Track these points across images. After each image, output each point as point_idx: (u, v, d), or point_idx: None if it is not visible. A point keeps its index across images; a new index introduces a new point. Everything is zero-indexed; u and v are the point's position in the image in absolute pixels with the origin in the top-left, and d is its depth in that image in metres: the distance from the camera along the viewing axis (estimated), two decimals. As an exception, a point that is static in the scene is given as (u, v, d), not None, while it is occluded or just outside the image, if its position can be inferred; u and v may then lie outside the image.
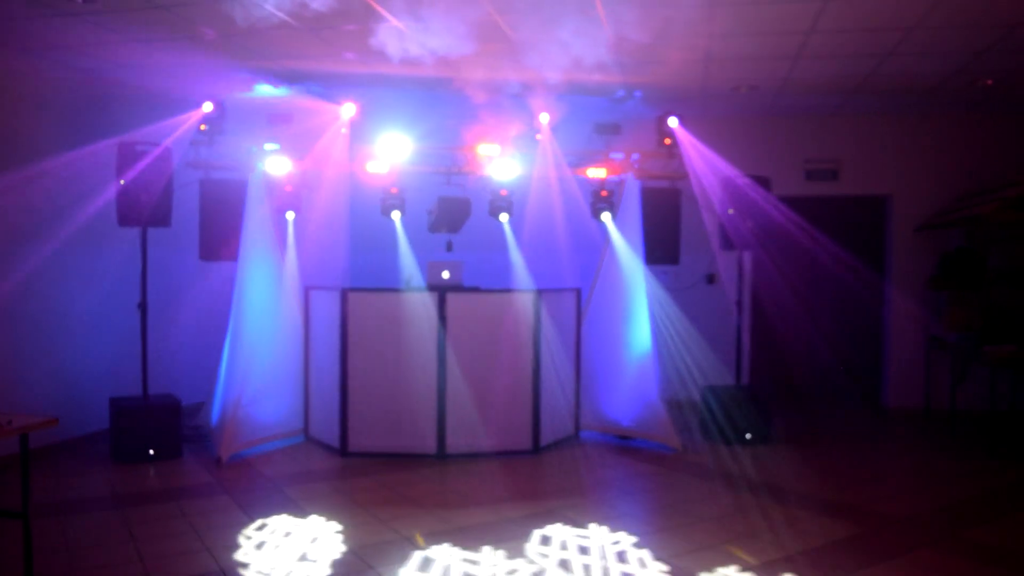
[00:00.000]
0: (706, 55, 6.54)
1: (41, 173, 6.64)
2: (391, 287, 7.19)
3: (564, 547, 4.72)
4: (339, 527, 5.06)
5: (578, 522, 5.18)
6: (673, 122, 7.40)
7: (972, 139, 8.70)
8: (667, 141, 7.49)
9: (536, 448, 6.95)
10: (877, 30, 5.87)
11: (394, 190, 7.57)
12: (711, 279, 8.95)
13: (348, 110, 7.28)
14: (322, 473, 6.41)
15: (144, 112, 7.37)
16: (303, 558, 4.53)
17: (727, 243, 7.52)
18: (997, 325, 7.52)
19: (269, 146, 7.29)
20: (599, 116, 7.84)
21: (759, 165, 8.08)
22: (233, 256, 7.15)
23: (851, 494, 5.87)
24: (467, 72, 6.56)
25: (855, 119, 8.93)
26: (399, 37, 5.78)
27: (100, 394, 7.08)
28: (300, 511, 5.38)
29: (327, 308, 7.06)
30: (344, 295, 6.84)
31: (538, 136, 7.46)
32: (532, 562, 4.49)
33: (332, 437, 6.98)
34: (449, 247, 7.85)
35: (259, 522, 5.13)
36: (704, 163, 7.48)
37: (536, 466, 6.64)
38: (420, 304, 6.81)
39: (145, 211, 6.59)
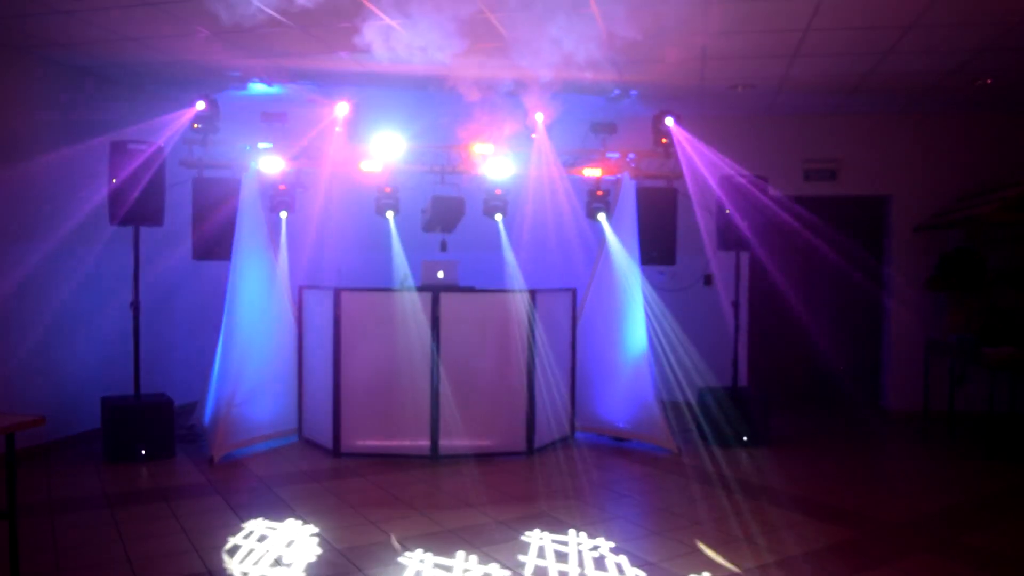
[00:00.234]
0: (702, 53, 6.50)
1: (33, 171, 6.61)
2: (385, 287, 7.15)
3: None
4: (329, 528, 5.01)
5: (568, 525, 5.13)
6: (669, 121, 7.34)
7: (972, 139, 8.64)
8: (663, 140, 7.43)
9: (531, 449, 6.90)
10: (874, 28, 5.82)
11: (388, 189, 7.52)
12: (708, 280, 8.90)
13: (342, 109, 7.24)
14: (314, 474, 6.36)
15: (137, 110, 7.34)
16: (291, 559, 4.49)
17: (724, 243, 7.46)
18: (996, 326, 7.46)
19: (262, 145, 7.27)
20: (595, 115, 7.78)
21: (757, 165, 8.01)
22: (226, 255, 7.11)
23: (848, 497, 5.82)
24: (460, 70, 6.51)
25: (854, 119, 8.88)
26: (391, 35, 5.74)
27: (92, 393, 7.03)
28: (291, 512, 5.33)
29: (320, 308, 7.02)
30: (337, 295, 6.80)
31: (533, 135, 7.41)
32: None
33: (325, 438, 6.94)
34: (443, 247, 7.79)
35: (249, 523, 5.09)
36: (701, 162, 7.43)
37: (530, 468, 6.59)
38: (414, 304, 6.77)
39: (137, 210, 6.55)
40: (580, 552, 4.65)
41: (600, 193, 7.55)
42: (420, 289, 6.85)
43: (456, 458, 6.71)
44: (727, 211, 7.31)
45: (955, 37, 6.05)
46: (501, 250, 7.81)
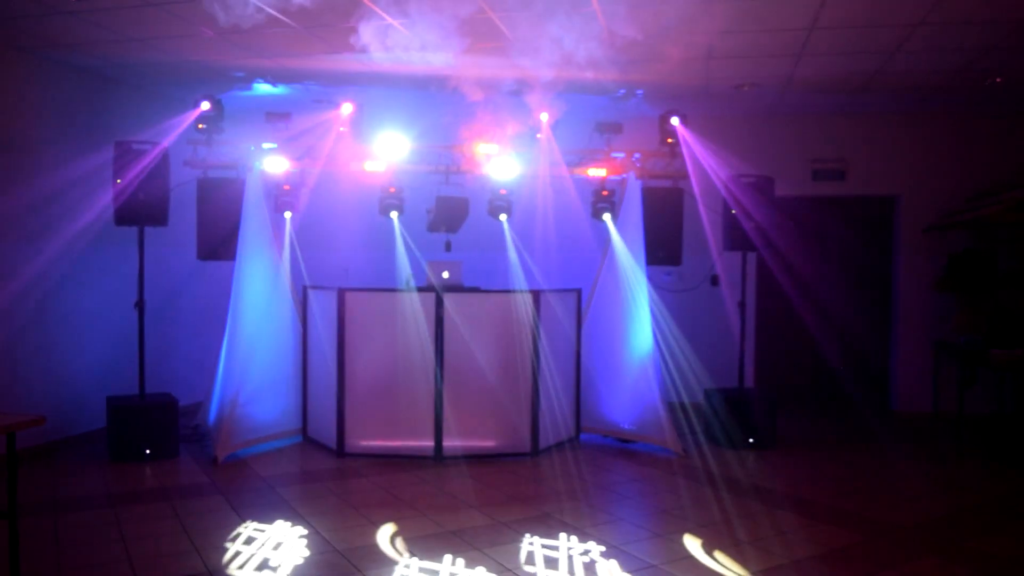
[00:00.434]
0: (706, 52, 6.46)
1: (39, 172, 6.63)
2: (389, 287, 7.13)
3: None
4: (330, 529, 5.00)
5: (571, 526, 5.10)
6: (675, 121, 7.29)
7: (982, 138, 8.55)
8: (669, 140, 7.38)
9: (535, 450, 6.87)
10: (880, 27, 5.77)
11: (392, 189, 7.50)
12: (715, 280, 8.85)
13: (346, 109, 7.23)
14: (317, 474, 6.36)
15: (141, 111, 7.35)
16: (291, 560, 4.47)
17: (730, 244, 7.42)
18: (1005, 328, 7.38)
19: (267, 145, 7.26)
20: (600, 115, 7.76)
21: (764, 165, 7.97)
22: (231, 255, 7.12)
23: (854, 501, 5.76)
24: (464, 70, 6.49)
25: (862, 118, 8.81)
26: (394, 35, 5.72)
27: (98, 393, 7.04)
28: (293, 512, 5.32)
29: (324, 308, 7.02)
30: (341, 295, 6.79)
31: (538, 135, 7.37)
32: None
33: (329, 438, 6.93)
34: (448, 247, 7.77)
35: (250, 523, 5.08)
36: (707, 163, 7.38)
37: (534, 469, 6.57)
38: (418, 304, 6.75)
39: (142, 210, 6.58)
40: (581, 554, 4.62)
41: (605, 193, 7.52)
42: (424, 289, 6.84)
43: (460, 459, 6.69)
44: (733, 211, 7.27)
45: (963, 35, 5.99)
46: (506, 250, 7.78)
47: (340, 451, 6.80)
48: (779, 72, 7.03)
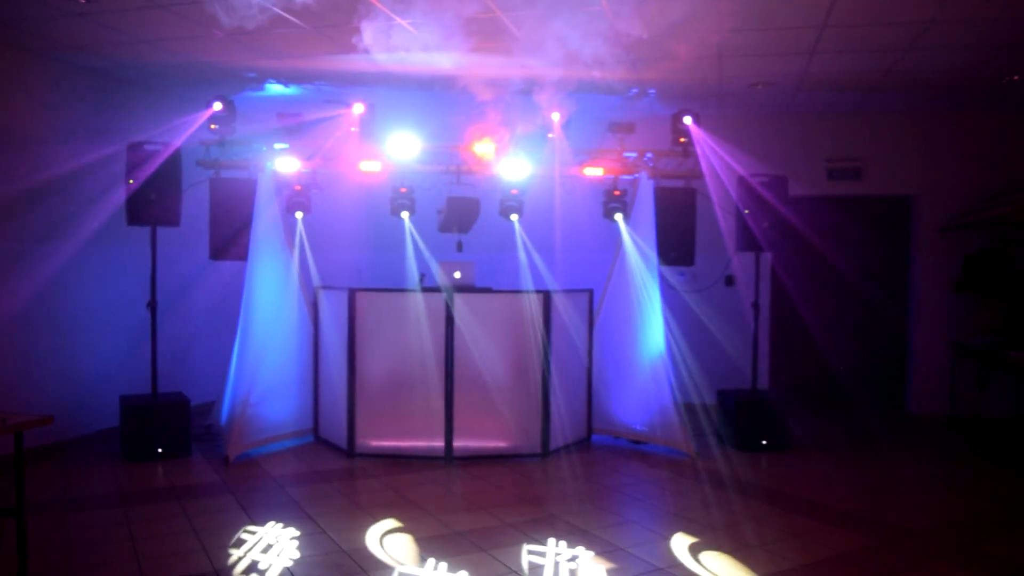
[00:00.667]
0: (717, 50, 6.40)
1: (53, 173, 6.68)
2: (400, 287, 7.13)
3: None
4: (337, 530, 5.00)
5: (578, 528, 5.08)
6: (688, 120, 7.24)
7: (1000, 137, 8.43)
8: (682, 140, 7.33)
9: (546, 451, 6.85)
10: (893, 24, 5.69)
11: (403, 190, 7.50)
12: (729, 280, 8.79)
13: (357, 109, 7.23)
14: (327, 474, 6.36)
15: (154, 111, 7.39)
16: (297, 560, 4.48)
17: (744, 244, 7.35)
18: (1023, 330, 7.28)
19: (278, 145, 7.29)
20: (613, 114, 7.72)
21: (779, 164, 7.91)
22: (242, 255, 7.14)
23: (866, 504, 5.69)
24: (474, 70, 6.48)
25: (878, 117, 8.71)
26: (405, 35, 5.72)
27: (111, 392, 7.10)
28: (301, 512, 5.34)
29: (335, 308, 7.03)
30: (351, 295, 6.80)
31: (549, 135, 7.35)
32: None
33: (340, 438, 6.94)
34: (459, 247, 7.76)
35: (258, 523, 5.10)
36: (720, 162, 7.32)
37: (544, 470, 6.55)
38: (429, 304, 6.75)
39: (154, 211, 6.62)
40: (584, 557, 4.60)
41: (617, 193, 7.48)
42: (434, 289, 6.83)
43: (470, 459, 6.69)
44: (746, 211, 7.21)
45: (978, 32, 5.89)
46: (517, 251, 7.76)
47: (351, 451, 6.81)
48: (791, 70, 6.96)
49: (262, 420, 6.94)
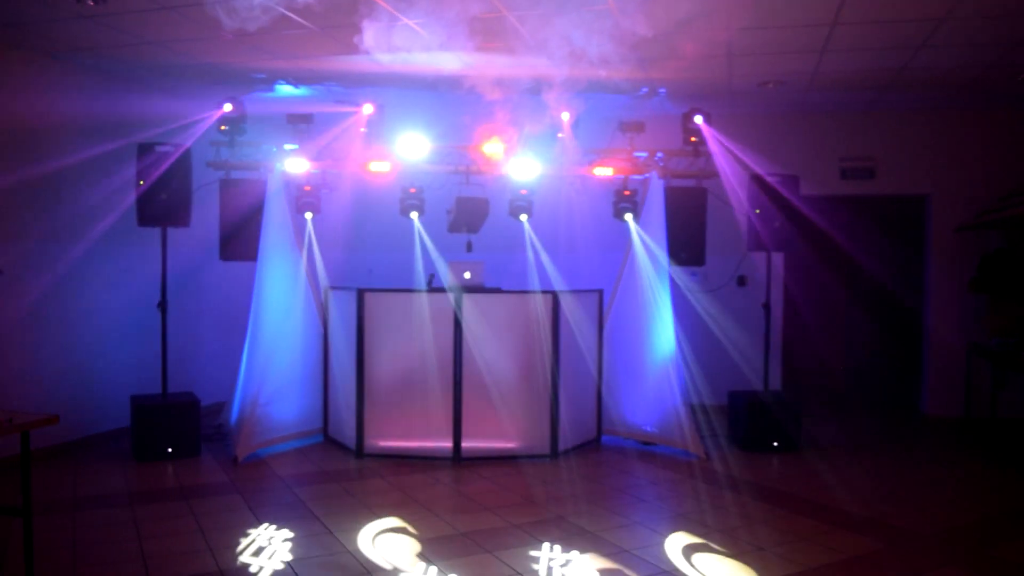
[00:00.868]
0: (726, 49, 6.35)
1: (63, 174, 6.73)
2: (409, 287, 7.13)
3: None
4: (343, 530, 5.00)
5: (585, 530, 5.05)
6: (699, 119, 7.18)
7: (1015, 135, 8.31)
8: (693, 139, 7.28)
9: (555, 452, 6.83)
10: (904, 22, 5.62)
11: (413, 190, 7.50)
12: (742, 280, 8.73)
13: (367, 110, 7.24)
14: (335, 474, 6.37)
15: (164, 112, 7.42)
16: (303, 560, 4.48)
17: (755, 244, 7.29)
18: (1040, 331, 7.18)
19: (288, 146, 7.31)
20: (623, 114, 7.67)
21: (791, 164, 7.85)
22: (252, 256, 7.16)
23: (877, 507, 5.61)
24: (480, 69, 6.46)
25: (891, 116, 8.62)
26: (411, 35, 5.71)
27: (122, 392, 7.14)
28: (308, 513, 5.34)
29: (345, 308, 7.04)
30: (360, 295, 6.81)
31: (559, 134, 7.32)
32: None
33: (349, 438, 6.95)
34: (469, 247, 7.75)
35: (265, 523, 5.11)
36: (731, 161, 7.27)
37: (553, 471, 6.52)
38: (437, 304, 6.74)
39: (164, 211, 6.66)
40: (590, 559, 4.57)
41: (627, 193, 7.43)
42: (444, 290, 6.82)
43: (478, 460, 6.67)
44: (757, 211, 7.15)
45: (991, 30, 5.81)
46: (526, 251, 7.74)
47: (359, 452, 6.81)
48: (802, 69, 6.90)
49: (271, 420, 6.96)
